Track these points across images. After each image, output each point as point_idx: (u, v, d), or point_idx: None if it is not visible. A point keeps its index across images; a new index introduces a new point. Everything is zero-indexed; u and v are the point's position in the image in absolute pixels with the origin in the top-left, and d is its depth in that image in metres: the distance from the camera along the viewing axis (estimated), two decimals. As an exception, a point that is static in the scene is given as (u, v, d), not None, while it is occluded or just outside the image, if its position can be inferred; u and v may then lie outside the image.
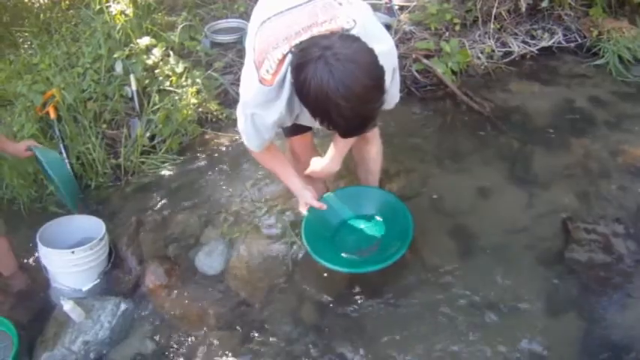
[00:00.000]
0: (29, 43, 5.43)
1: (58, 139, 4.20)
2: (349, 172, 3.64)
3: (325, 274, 3.24)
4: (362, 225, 3.25)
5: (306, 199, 2.93)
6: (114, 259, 3.55)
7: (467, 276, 3.17)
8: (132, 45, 4.78)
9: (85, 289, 3.38)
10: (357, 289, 3.18)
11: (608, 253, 3.16)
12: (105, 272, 3.48)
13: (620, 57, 4.93)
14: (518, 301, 3.00)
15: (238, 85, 4.73)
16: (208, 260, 3.48)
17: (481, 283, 3.11)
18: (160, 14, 5.59)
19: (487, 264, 3.22)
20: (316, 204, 2.93)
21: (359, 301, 3.12)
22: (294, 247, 3.46)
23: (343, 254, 3.08)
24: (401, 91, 4.52)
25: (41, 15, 5.96)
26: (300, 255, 3.42)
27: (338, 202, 3.19)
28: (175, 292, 3.34)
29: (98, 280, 3.44)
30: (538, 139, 4.13)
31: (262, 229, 3.63)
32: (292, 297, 3.21)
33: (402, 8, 5.50)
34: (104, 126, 4.52)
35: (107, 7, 5.01)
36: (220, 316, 3.17)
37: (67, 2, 6.25)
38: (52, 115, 4.25)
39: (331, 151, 2.87)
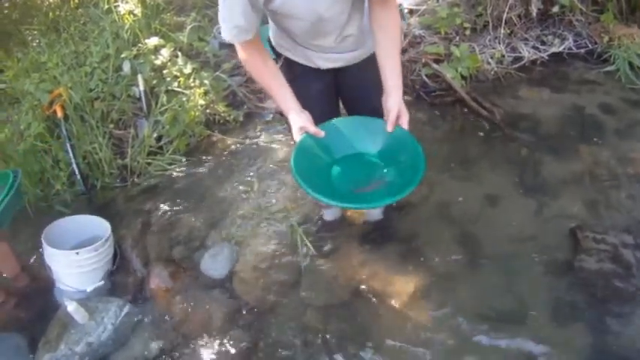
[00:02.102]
0: (37, 41, 5.42)
1: (64, 138, 4.21)
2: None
3: (332, 280, 3.25)
4: (365, 160, 2.62)
5: (302, 124, 2.42)
6: (119, 260, 3.55)
7: (473, 284, 3.15)
8: (140, 45, 4.79)
9: (89, 289, 3.37)
10: (363, 296, 3.16)
11: (617, 263, 3.12)
12: (109, 273, 3.48)
13: (630, 64, 4.88)
14: (525, 311, 2.97)
15: (246, 87, 4.81)
16: (214, 263, 3.47)
17: (487, 292, 3.09)
18: (168, 14, 5.60)
19: (494, 272, 3.19)
20: (312, 129, 2.42)
21: (365, 308, 3.11)
22: (301, 251, 3.45)
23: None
24: (410, 95, 4.56)
25: (50, 13, 5.96)
26: (307, 260, 3.41)
27: (339, 132, 2.59)
28: (180, 295, 3.33)
29: (102, 282, 3.43)
30: (547, 146, 4.10)
31: (269, 233, 3.62)
32: (298, 302, 3.20)
33: (411, 12, 5.46)
34: (111, 126, 4.53)
35: (115, 6, 5.00)
36: (225, 320, 3.16)
37: (76, 1, 6.24)
38: (59, 114, 4.26)
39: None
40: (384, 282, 3.21)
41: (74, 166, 4.16)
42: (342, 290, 3.21)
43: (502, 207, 3.63)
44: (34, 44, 5.49)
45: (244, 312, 3.19)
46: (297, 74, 2.67)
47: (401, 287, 3.17)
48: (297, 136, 2.41)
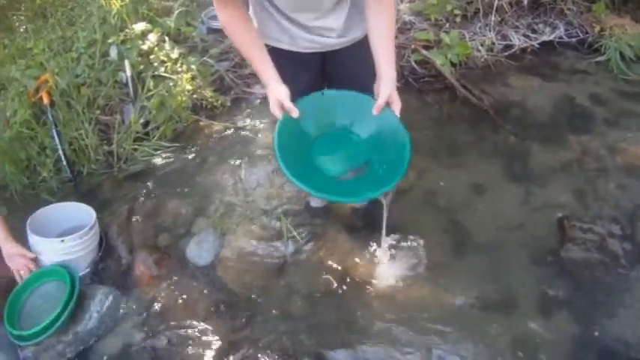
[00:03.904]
0: (24, 27, 5.37)
1: (50, 124, 4.18)
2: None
3: (317, 268, 3.23)
4: (350, 141, 2.51)
5: (279, 96, 2.30)
6: (104, 247, 3.52)
7: (460, 273, 3.14)
8: (127, 30, 4.72)
9: (77, 275, 3.29)
10: (349, 284, 3.15)
11: (604, 253, 3.13)
12: (95, 261, 3.45)
13: (621, 54, 4.86)
14: (511, 300, 2.98)
15: (234, 71, 4.77)
16: (199, 251, 3.45)
17: (474, 281, 3.08)
18: (157, -1, 5.54)
19: (480, 261, 3.19)
20: (287, 104, 2.28)
21: (351, 295, 3.10)
22: (286, 239, 3.42)
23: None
24: (399, 81, 4.52)
25: (37, -1, 5.90)
26: (293, 247, 3.38)
27: (328, 105, 2.48)
28: (165, 282, 3.31)
29: (88, 269, 3.41)
30: (536, 134, 4.09)
31: (254, 221, 3.58)
32: (283, 289, 3.18)
33: (402, -2, 5.42)
34: (97, 112, 4.48)
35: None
36: (210, 307, 3.15)
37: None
38: (45, 101, 4.22)
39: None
40: (370, 270, 3.20)
41: (60, 152, 4.12)
42: (328, 277, 3.19)
43: (490, 195, 3.61)
44: (22, 30, 5.43)
45: (230, 299, 3.17)
46: (283, 65, 2.62)
47: (387, 275, 3.16)
48: (274, 109, 2.32)
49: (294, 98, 2.39)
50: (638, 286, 3.00)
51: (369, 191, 2.32)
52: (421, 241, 3.33)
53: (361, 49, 2.58)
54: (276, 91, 2.31)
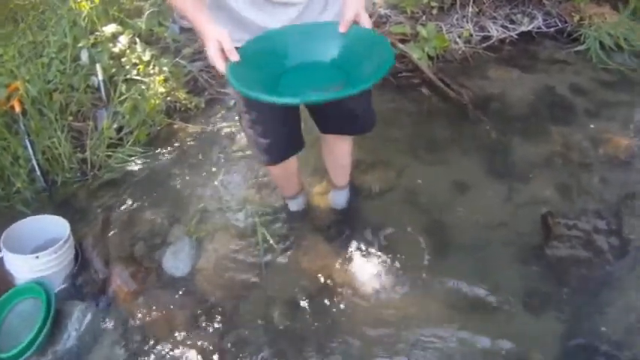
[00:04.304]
0: (-6, 33, 5.26)
1: (23, 133, 4.05)
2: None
3: (297, 275, 3.17)
4: (320, 68, 2.12)
5: (220, 37, 1.90)
6: (80, 260, 3.42)
7: (444, 274, 3.08)
8: (97, 33, 4.62)
9: (52, 292, 3.21)
10: (330, 290, 3.08)
11: (590, 249, 3.09)
12: (72, 275, 3.36)
13: (601, 43, 4.84)
14: (497, 299, 2.93)
15: (208, 71, 4.68)
16: (175, 261, 3.36)
17: (458, 281, 3.03)
18: (129, -1, 5.42)
19: (464, 261, 3.14)
20: (227, 45, 1.88)
21: (332, 302, 3.03)
22: (264, 246, 3.35)
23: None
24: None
25: (10, 3, 5.77)
26: (271, 255, 3.31)
27: (283, 42, 2.11)
28: (143, 296, 3.22)
29: (65, 284, 3.31)
30: (517, 128, 4.04)
31: (230, 228, 3.51)
32: (263, 298, 3.10)
33: (377, -9, 5.34)
34: (70, 118, 4.36)
35: (72, -8, 4.83)
36: (189, 319, 3.06)
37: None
38: (17, 109, 4.09)
39: None
40: (351, 274, 3.13)
41: (34, 162, 4.01)
42: (309, 284, 3.13)
43: (472, 193, 3.56)
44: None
45: (209, 311, 3.09)
46: None
47: (369, 279, 3.10)
48: (214, 55, 1.89)
49: (271, 126, 2.42)
50: (625, 281, 2.97)
51: (350, 88, 1.89)
52: (403, 243, 3.26)
53: None
54: (215, 31, 1.91)
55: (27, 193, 3.96)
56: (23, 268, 3.17)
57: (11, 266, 3.19)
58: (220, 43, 1.88)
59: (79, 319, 3.06)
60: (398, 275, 3.11)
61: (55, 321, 3.01)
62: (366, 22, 2.01)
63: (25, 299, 3.13)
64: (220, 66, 1.88)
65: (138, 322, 3.09)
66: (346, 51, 2.05)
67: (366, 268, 3.14)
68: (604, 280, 2.98)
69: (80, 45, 4.49)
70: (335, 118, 2.72)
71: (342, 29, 2.02)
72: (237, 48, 1.91)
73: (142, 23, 4.89)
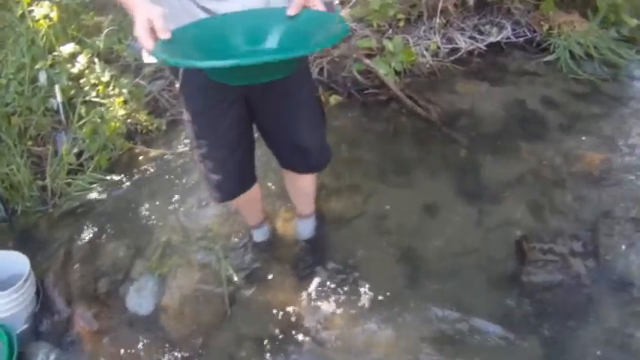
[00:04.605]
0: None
1: None
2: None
3: (265, 310, 3.05)
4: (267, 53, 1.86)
5: (151, 14, 1.66)
6: (42, 298, 3.30)
7: (417, 304, 2.97)
8: (56, 53, 4.46)
9: (14, 334, 3.09)
10: (299, 326, 2.97)
11: (566, 274, 2.98)
12: (33, 314, 3.23)
13: (571, 53, 4.74)
14: (473, 328, 2.84)
15: (169, 91, 4.54)
16: (139, 299, 3.24)
17: (432, 312, 2.92)
18: (90, 14, 5.24)
19: (438, 290, 3.03)
20: (159, 23, 1.64)
21: (301, 339, 2.91)
22: (230, 281, 3.22)
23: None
24: (341, 94, 4.33)
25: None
26: (237, 290, 3.19)
27: (218, 32, 1.87)
28: (107, 336, 3.09)
29: (27, 325, 3.19)
30: (487, 146, 3.92)
31: (194, 263, 3.38)
32: (231, 336, 2.99)
33: (342, 3, 5.20)
34: (30, 143, 4.24)
35: (30, 11, 4.65)
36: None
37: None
38: None
39: None
40: (320, 307, 3.02)
41: None
42: (277, 319, 3.01)
43: (442, 217, 3.43)
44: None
45: (175, 351, 2.98)
46: (198, 100, 2.36)
47: (339, 312, 2.99)
48: (142, 33, 1.64)
49: (221, 162, 2.35)
50: (603, 305, 2.88)
51: (302, 48, 1.72)
52: (373, 273, 3.15)
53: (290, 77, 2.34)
54: (146, 9, 1.68)
55: None
56: None
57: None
58: (151, 22, 1.64)
59: (42, 362, 2.91)
60: (368, 306, 3.00)
61: (19, 364, 2.87)
62: (318, 5, 1.83)
63: None
64: (148, 45, 1.63)
65: (103, 363, 2.96)
66: (295, 34, 1.84)
67: (336, 301, 3.03)
68: (582, 304, 2.89)
69: (38, 66, 4.35)
70: (287, 152, 2.61)
71: (290, 12, 1.83)
72: (174, 31, 1.69)
73: (100, 42, 4.73)
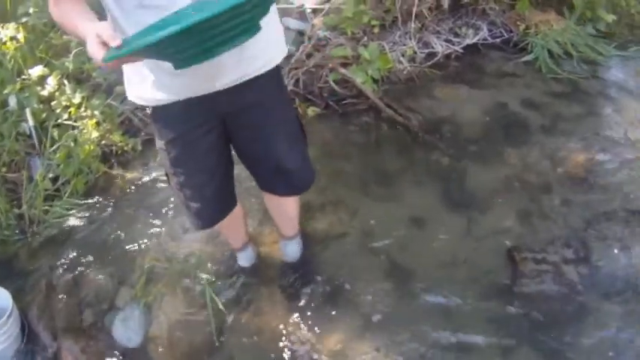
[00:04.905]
0: None
1: None
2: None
3: (254, 338, 2.98)
4: None
5: (98, 30, 1.60)
6: (28, 332, 3.23)
7: (409, 321, 2.92)
8: (24, 76, 4.37)
9: None
10: (291, 348, 2.90)
11: (560, 282, 2.96)
12: (20, 350, 3.17)
13: (549, 51, 4.70)
14: (467, 343, 2.80)
15: (142, 109, 4.46)
16: (126, 331, 3.15)
17: (425, 328, 2.87)
18: (57, 34, 5.14)
19: (429, 305, 2.98)
20: (107, 32, 1.57)
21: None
22: (217, 308, 3.14)
23: None
24: (318, 105, 4.25)
25: None
26: (224, 318, 3.11)
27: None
28: None
29: None
30: (471, 152, 3.86)
31: (179, 290, 3.30)
32: (224, 364, 2.91)
33: (315, 11, 5.13)
34: (3, 169, 4.15)
35: (-6, 34, 4.57)
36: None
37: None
38: None
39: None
40: (311, 331, 2.95)
41: None
42: (268, 346, 2.94)
43: (430, 229, 3.37)
44: None
45: None
46: (171, 126, 2.28)
47: (330, 334, 2.92)
48: (93, 47, 1.58)
49: (199, 189, 2.30)
50: (598, 312, 2.85)
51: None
52: (362, 291, 3.08)
53: (275, 93, 2.30)
54: (93, 26, 1.64)
55: None
56: None
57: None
58: (100, 36, 1.58)
59: (32, 402, 2.79)
60: (361, 327, 2.93)
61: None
62: None
63: None
64: (98, 57, 1.56)
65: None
66: None
67: (327, 322, 2.97)
68: (576, 312, 2.85)
69: (7, 91, 4.25)
70: (267, 174, 2.53)
71: None
72: (125, 39, 1.60)
73: (69, 62, 4.63)
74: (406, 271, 3.14)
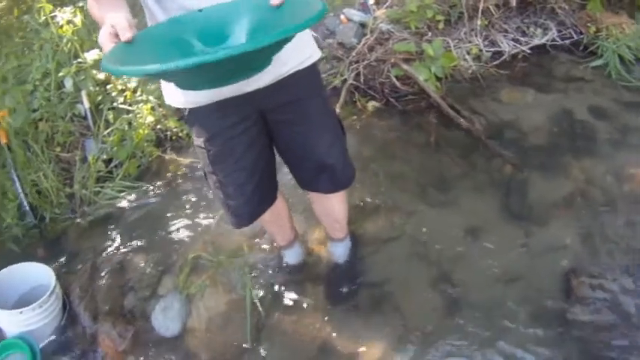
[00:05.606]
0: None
1: (9, 166, 3.96)
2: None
3: (294, 335, 2.94)
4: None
5: (114, 21, 1.55)
6: (69, 310, 3.27)
7: (453, 338, 2.80)
8: (80, 60, 4.37)
9: (40, 346, 3.09)
10: (330, 353, 2.85)
11: (615, 312, 2.78)
12: (60, 327, 3.21)
13: (620, 57, 4.47)
14: None
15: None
16: (165, 320, 3.14)
17: (469, 348, 2.75)
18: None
19: (476, 323, 2.85)
20: (122, 24, 1.52)
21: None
22: (258, 307, 3.10)
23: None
24: (378, 100, 4.15)
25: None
26: (265, 317, 3.07)
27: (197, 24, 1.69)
28: (132, 355, 3.03)
29: (53, 336, 3.18)
30: (534, 161, 3.69)
31: (222, 284, 3.27)
32: (260, 361, 2.87)
33: (377, 3, 5.03)
34: (58, 149, 4.20)
35: (52, 17, 4.55)
36: (180, 385, 2.85)
37: (24, 7, 5.81)
38: (3, 140, 3.99)
39: None
40: (352, 338, 2.88)
41: (22, 197, 3.91)
42: (306, 348, 2.89)
43: (485, 240, 3.25)
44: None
45: None
46: (210, 124, 2.23)
47: (371, 344, 2.84)
48: (104, 38, 1.53)
49: (238, 186, 2.25)
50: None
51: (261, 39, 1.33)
52: (408, 301, 3.00)
53: (303, 92, 2.23)
54: (112, 16, 1.58)
55: (17, 230, 3.84)
56: (8, 323, 3.09)
57: (-2, 320, 3.08)
58: (114, 28, 1.54)
59: (66, 379, 2.91)
60: (403, 340, 2.84)
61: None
62: None
63: (13, 354, 3.02)
64: (107, 48, 1.52)
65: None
66: (271, 26, 1.60)
67: (369, 331, 2.89)
68: (630, 348, 2.67)
69: (62, 74, 4.29)
70: (308, 171, 2.46)
71: (273, 2, 1.61)
72: (138, 34, 1.58)
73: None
74: (456, 284, 3.04)
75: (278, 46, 1.47)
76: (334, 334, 2.92)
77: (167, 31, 1.67)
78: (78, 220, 3.90)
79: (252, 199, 2.45)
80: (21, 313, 2.99)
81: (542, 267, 3.04)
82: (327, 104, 2.40)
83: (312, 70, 2.23)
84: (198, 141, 2.28)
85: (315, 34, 4.76)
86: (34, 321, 3.04)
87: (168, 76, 1.53)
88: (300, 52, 2.13)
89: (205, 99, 2.10)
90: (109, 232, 3.76)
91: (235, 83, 1.55)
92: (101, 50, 1.56)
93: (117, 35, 1.52)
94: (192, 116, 2.25)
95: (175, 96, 2.17)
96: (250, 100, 2.13)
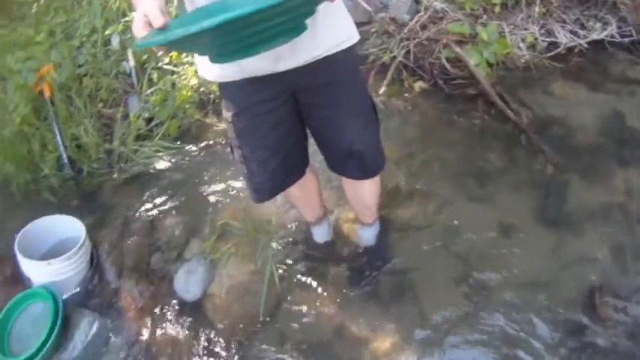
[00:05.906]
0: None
1: (51, 119, 4.02)
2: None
3: (311, 314, 2.98)
4: None
5: (146, 8, 1.53)
6: (95, 265, 3.36)
7: (469, 340, 2.80)
8: (127, 18, 4.41)
9: (64, 296, 3.22)
10: (345, 336, 2.88)
11: (634, 340, 2.69)
12: (85, 279, 3.31)
13: (682, 63, 4.25)
14: None
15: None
16: (186, 284, 3.22)
17: (484, 352, 2.74)
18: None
19: (495, 328, 2.82)
20: (153, 14, 1.50)
21: (345, 350, 2.83)
22: (276, 280, 3.14)
23: None
24: (426, 81, 4.14)
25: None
26: (285, 291, 3.12)
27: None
28: (151, 316, 3.14)
29: (78, 289, 3.28)
30: (577, 164, 3.58)
31: (248, 252, 3.31)
32: (275, 335, 2.96)
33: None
34: (100, 105, 4.29)
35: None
36: (196, 349, 2.97)
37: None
38: (47, 94, 4.05)
39: None
40: (369, 323, 2.90)
41: (61, 149, 4.00)
42: (323, 327, 2.93)
43: (516, 240, 3.18)
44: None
45: (217, 342, 2.98)
46: (239, 99, 2.24)
47: (386, 333, 2.86)
48: (138, 26, 1.52)
49: (263, 161, 2.28)
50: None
51: None
52: (431, 295, 2.98)
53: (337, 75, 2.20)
54: (145, 4, 1.55)
55: (54, 180, 3.94)
56: (36, 273, 3.20)
57: (26, 269, 3.22)
58: (147, 16, 1.53)
59: (85, 330, 3.06)
60: (419, 333, 2.85)
61: (64, 327, 3.03)
62: None
63: (37, 302, 3.15)
64: (139, 35, 1.53)
65: (144, 342, 3.04)
66: None
67: (387, 319, 2.90)
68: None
69: (107, 32, 4.39)
70: (338, 156, 2.44)
71: None
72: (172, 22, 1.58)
73: (173, 8, 4.60)
74: (481, 282, 3.00)
75: (307, 3, 1.45)
76: (350, 319, 2.93)
77: (197, 19, 1.62)
78: (114, 176, 3.99)
79: (274, 177, 2.45)
80: (49, 264, 3.08)
81: (569, 278, 2.97)
82: (362, 89, 2.35)
83: (348, 54, 2.18)
84: (227, 114, 2.30)
85: (368, 7, 4.68)
86: (61, 272, 3.13)
87: (197, 44, 1.52)
88: (335, 35, 2.09)
89: (237, 74, 2.10)
90: (143, 191, 3.83)
91: (269, 49, 1.54)
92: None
93: (150, 24, 1.52)
94: (223, 90, 2.27)
95: (208, 68, 2.18)
96: (281, 80, 2.12)
